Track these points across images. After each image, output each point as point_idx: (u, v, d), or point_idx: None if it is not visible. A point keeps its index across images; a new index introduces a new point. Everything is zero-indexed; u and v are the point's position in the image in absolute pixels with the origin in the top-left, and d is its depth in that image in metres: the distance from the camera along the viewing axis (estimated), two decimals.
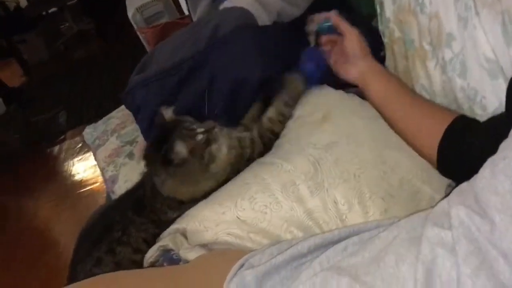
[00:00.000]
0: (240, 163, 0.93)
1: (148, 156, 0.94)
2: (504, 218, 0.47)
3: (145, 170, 0.98)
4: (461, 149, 0.74)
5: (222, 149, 0.91)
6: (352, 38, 0.96)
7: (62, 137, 3.11)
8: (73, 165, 2.90)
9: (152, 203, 0.93)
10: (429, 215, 0.57)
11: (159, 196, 0.92)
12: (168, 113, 0.94)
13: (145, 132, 1.07)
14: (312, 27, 1.03)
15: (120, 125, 1.33)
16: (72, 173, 2.84)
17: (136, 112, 1.07)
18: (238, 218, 0.82)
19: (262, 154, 0.95)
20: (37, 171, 3.02)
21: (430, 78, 0.95)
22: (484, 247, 0.48)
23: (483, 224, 0.49)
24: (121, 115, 1.32)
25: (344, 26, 0.97)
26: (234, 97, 1.00)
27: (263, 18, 1.04)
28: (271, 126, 0.97)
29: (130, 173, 1.13)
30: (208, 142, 0.89)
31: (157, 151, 0.88)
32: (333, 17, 0.99)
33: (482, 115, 0.82)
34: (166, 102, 1.02)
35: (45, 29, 5.07)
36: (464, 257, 0.48)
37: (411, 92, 0.93)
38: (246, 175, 0.88)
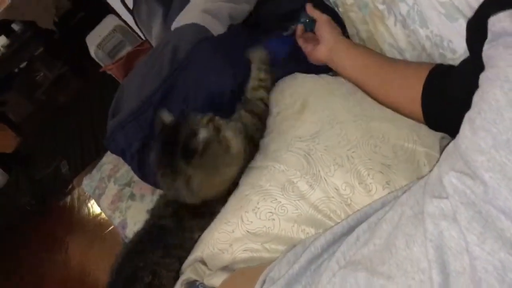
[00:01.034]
0: (249, 144, 0.93)
1: (164, 163, 0.90)
2: (493, 176, 0.46)
3: (153, 209, 0.98)
4: (443, 99, 0.73)
5: (230, 133, 0.89)
6: (322, 23, 0.98)
7: (70, 186, 3.13)
8: (90, 209, 2.92)
9: (177, 234, 0.93)
10: (426, 186, 0.57)
11: (188, 224, 0.92)
12: (166, 116, 0.92)
13: (138, 171, 1.07)
14: (303, 18, 1.05)
15: (113, 169, 1.33)
16: (92, 217, 2.87)
17: (122, 155, 1.07)
18: (248, 232, 0.81)
19: (261, 130, 0.96)
20: (58, 225, 3.06)
21: (393, 36, 0.93)
22: (483, 209, 0.47)
23: (476, 186, 0.48)
24: (112, 159, 1.32)
25: (316, 13, 1.00)
26: (214, 112, 0.99)
27: (216, 27, 1.02)
28: (256, 94, 0.98)
29: (137, 215, 1.14)
30: (217, 129, 0.88)
31: (171, 151, 0.86)
32: (307, 7, 1.02)
33: (454, 59, 0.81)
34: (147, 138, 1.02)
35: (22, 85, 5.06)
36: (467, 225, 0.47)
37: (383, 58, 0.91)
38: (244, 187, 0.87)
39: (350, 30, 1.05)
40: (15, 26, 4.88)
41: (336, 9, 1.07)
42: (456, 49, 0.80)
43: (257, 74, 0.98)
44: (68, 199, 3.13)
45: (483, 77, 0.53)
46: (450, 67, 0.76)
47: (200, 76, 0.97)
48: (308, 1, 1.03)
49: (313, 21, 1.02)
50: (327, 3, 1.11)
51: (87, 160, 3.21)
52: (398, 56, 0.95)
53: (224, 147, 0.86)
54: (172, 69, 0.99)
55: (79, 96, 4.39)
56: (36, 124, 4.71)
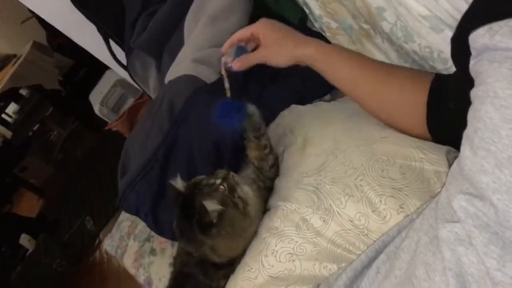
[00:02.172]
0: (264, 195, 0.92)
1: (183, 232, 0.88)
2: (501, 198, 0.45)
3: (175, 261, 0.97)
4: (444, 111, 0.71)
5: (246, 189, 0.89)
6: (267, 58, 0.88)
7: (97, 241, 3.15)
8: (121, 260, 2.92)
9: (204, 282, 0.92)
10: (437, 210, 0.55)
11: (213, 273, 0.90)
12: (178, 183, 0.89)
13: (154, 228, 1.07)
14: (226, 65, 0.91)
15: (131, 226, 1.34)
16: (122, 267, 2.86)
17: (136, 213, 1.07)
18: (271, 276, 0.80)
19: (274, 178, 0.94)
20: (91, 282, 3.06)
21: (384, 52, 0.93)
22: (499, 230, 0.45)
23: (486, 207, 0.47)
24: (129, 215, 1.32)
25: (252, 60, 0.89)
26: (218, 158, 0.99)
27: (208, 74, 1.03)
28: (265, 163, 0.95)
29: (161, 269, 1.13)
30: (232, 189, 0.86)
31: (190, 223, 0.84)
32: (233, 37, 0.90)
33: (446, 69, 0.81)
34: (160, 194, 1.02)
35: (38, 147, 5.16)
36: (484, 249, 0.46)
37: (376, 61, 0.87)
38: (261, 230, 0.86)
39: None
40: (23, 91, 5.02)
41: (323, 34, 1.07)
42: (447, 59, 0.79)
43: (256, 143, 0.93)
44: (97, 253, 3.15)
45: (473, 94, 0.52)
46: (448, 77, 0.75)
47: (200, 126, 0.98)
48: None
49: (240, 48, 0.91)
50: (314, 29, 1.11)
51: (110, 212, 3.23)
52: None
53: (241, 208, 0.85)
54: (172, 123, 1.00)
55: (95, 149, 4.45)
56: (57, 184, 4.77)
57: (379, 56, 0.95)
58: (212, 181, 0.87)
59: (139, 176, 1.01)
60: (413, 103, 0.77)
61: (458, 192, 0.51)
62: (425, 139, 0.78)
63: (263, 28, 0.87)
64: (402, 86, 0.79)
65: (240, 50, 0.90)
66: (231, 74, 0.90)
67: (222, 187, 0.86)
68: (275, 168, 0.95)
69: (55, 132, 5.41)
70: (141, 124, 1.14)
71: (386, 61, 0.94)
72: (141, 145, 1.07)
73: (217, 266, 0.90)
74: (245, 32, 0.89)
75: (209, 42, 1.09)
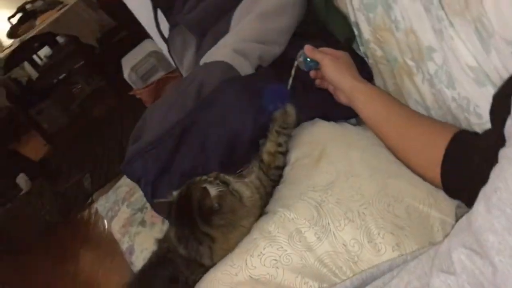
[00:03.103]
0: (262, 199, 0.92)
1: (181, 235, 0.88)
2: (504, 260, 0.44)
3: (161, 244, 0.97)
4: (463, 167, 0.71)
5: (239, 185, 0.89)
6: (325, 65, 0.96)
7: (90, 200, 3.17)
8: (106, 225, 2.94)
9: (188, 276, 0.92)
10: (435, 259, 0.55)
11: (195, 268, 0.90)
12: (213, 192, 0.87)
13: (151, 200, 1.07)
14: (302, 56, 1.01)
15: (129, 192, 1.34)
16: (106, 233, 2.88)
17: (138, 182, 1.07)
18: (251, 277, 0.80)
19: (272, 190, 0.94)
20: (72, 238, 3.08)
21: (420, 93, 0.92)
22: None
23: (485, 267, 0.46)
24: (129, 181, 1.33)
25: (317, 56, 0.97)
26: (230, 153, 0.99)
27: (245, 67, 1.03)
28: (273, 160, 0.96)
29: (145, 242, 1.13)
30: (225, 183, 0.88)
31: (189, 222, 0.85)
32: (306, 50, 0.99)
33: (479, 124, 0.80)
34: (165, 169, 1.02)
35: (58, 96, 5.21)
36: None
37: (404, 109, 0.89)
38: (253, 230, 0.86)
39: (377, 80, 1.05)
40: (60, 39, 5.08)
41: (366, 59, 1.07)
42: (482, 115, 0.78)
43: (276, 137, 0.95)
44: (86, 213, 3.17)
45: (502, 154, 0.52)
46: (475, 134, 0.75)
47: (222, 115, 0.98)
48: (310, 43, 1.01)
49: (313, 60, 0.99)
50: (358, 52, 1.11)
51: (110, 176, 3.25)
52: (422, 113, 0.93)
53: (238, 198, 0.86)
54: (196, 105, 1.00)
55: (112, 113, 4.48)
56: (67, 136, 4.82)
57: (415, 96, 0.94)
58: (205, 177, 0.89)
59: (151, 146, 1.01)
60: (433, 148, 0.77)
61: (461, 245, 0.50)
62: (435, 184, 0.78)
63: (343, 54, 0.99)
64: (426, 131, 0.81)
65: (311, 62, 1.00)
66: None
67: (215, 182, 0.87)
68: (280, 172, 0.96)
69: (79, 86, 5.47)
70: (165, 97, 1.15)
71: (421, 102, 0.93)
72: (160, 117, 1.07)
73: (204, 266, 0.90)
74: (327, 49, 0.99)
75: (254, 36, 1.09)
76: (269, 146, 0.96)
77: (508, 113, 0.54)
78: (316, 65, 0.99)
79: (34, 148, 4.71)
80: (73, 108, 5.25)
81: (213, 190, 0.83)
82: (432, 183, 0.78)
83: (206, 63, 1.08)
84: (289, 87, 1.01)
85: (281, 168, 0.96)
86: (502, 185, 0.48)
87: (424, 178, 0.80)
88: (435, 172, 0.76)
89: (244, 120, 0.96)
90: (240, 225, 0.86)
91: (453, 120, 0.86)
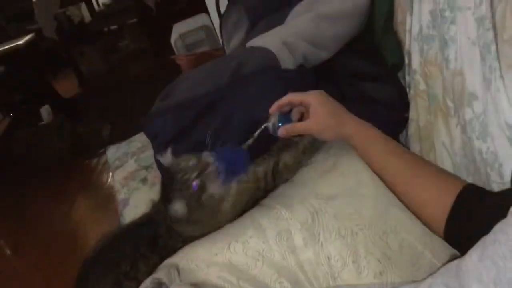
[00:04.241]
0: (256, 195, 0.91)
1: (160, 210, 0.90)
2: None
3: (156, 204, 0.97)
4: (469, 227, 0.70)
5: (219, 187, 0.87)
6: (312, 99, 0.89)
7: (102, 150, 3.21)
8: (109, 178, 2.98)
9: (167, 240, 0.92)
10: None
11: (175, 235, 0.91)
12: (166, 158, 0.89)
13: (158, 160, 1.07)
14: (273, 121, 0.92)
15: (141, 148, 1.36)
16: (107, 185, 2.92)
17: (152, 139, 1.08)
18: (230, 261, 0.79)
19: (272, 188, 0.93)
20: (74, 180, 3.14)
21: (451, 136, 0.90)
22: None
23: None
24: (144, 138, 1.34)
25: (301, 96, 0.90)
26: (248, 137, 0.99)
27: (287, 61, 1.03)
28: (286, 173, 0.95)
29: (141, 199, 1.14)
30: (202, 188, 0.85)
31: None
32: (283, 99, 0.91)
33: (498, 183, 0.78)
34: (182, 134, 1.03)
35: (104, 44, 5.31)
36: None
37: (408, 155, 0.87)
38: (245, 218, 0.86)
39: (412, 113, 1.03)
40: None
41: (407, 89, 1.06)
42: (504, 175, 0.76)
43: (299, 156, 0.95)
44: (95, 160, 3.22)
45: None
46: (482, 191, 0.73)
47: (251, 101, 0.98)
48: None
49: (284, 117, 0.92)
50: (402, 80, 1.10)
51: (129, 133, 3.29)
52: (446, 157, 0.92)
53: (210, 208, 0.86)
54: (229, 82, 1.01)
55: (149, 74, 4.54)
56: (100, 84, 4.91)
57: (444, 138, 0.92)
58: (187, 176, 0.85)
59: (175, 109, 1.02)
60: (437, 203, 0.76)
61: (443, 285, 0.49)
62: (437, 235, 0.77)
63: (314, 100, 0.89)
64: (431, 186, 0.79)
65: (283, 115, 0.92)
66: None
67: (194, 183, 0.84)
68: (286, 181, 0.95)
69: (126, 42, 5.56)
70: (203, 67, 1.15)
71: (448, 146, 0.92)
72: (193, 83, 1.07)
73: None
74: (295, 98, 0.90)
75: (306, 35, 1.08)
76: (289, 160, 0.94)
77: None
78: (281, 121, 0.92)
79: (67, 86, 4.80)
80: (113, 60, 5.34)
81: (179, 205, 0.83)
82: (434, 230, 0.77)
83: (252, 47, 1.08)
84: (246, 147, 0.92)
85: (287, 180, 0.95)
86: (503, 238, 0.47)
87: (427, 225, 0.79)
88: (439, 227, 0.75)
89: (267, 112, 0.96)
90: (215, 219, 0.87)
91: (474, 172, 0.84)
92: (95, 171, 3.14)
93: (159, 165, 1.04)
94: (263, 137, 0.94)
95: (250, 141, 0.92)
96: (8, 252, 2.75)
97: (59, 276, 2.22)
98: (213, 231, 0.87)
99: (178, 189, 0.84)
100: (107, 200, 2.69)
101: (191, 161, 0.86)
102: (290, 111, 0.94)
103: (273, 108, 0.91)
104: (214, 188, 0.85)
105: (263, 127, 0.92)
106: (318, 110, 0.88)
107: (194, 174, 0.84)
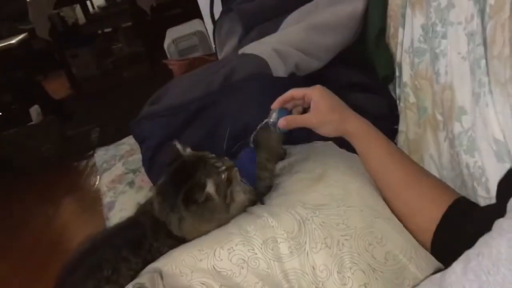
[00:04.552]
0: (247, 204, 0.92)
1: (165, 191, 0.89)
2: None
3: (142, 206, 0.97)
4: (456, 240, 0.70)
5: (239, 189, 0.89)
6: (315, 94, 0.89)
7: (91, 153, 3.19)
8: (97, 181, 2.96)
9: (152, 243, 0.91)
10: None
11: (161, 238, 0.90)
12: (183, 148, 0.90)
13: (146, 164, 1.07)
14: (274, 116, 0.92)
15: (129, 152, 1.35)
16: (94, 189, 2.89)
17: (141, 142, 1.08)
18: (214, 268, 0.78)
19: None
20: (61, 182, 3.11)
21: (439, 150, 0.91)
22: None
23: None
24: (133, 142, 1.33)
25: (303, 90, 0.90)
26: (236, 143, 0.98)
27: (279, 69, 1.03)
28: (262, 182, 0.96)
29: (127, 202, 1.13)
30: (229, 181, 0.88)
31: (177, 187, 0.85)
32: (286, 94, 0.91)
33: (484, 197, 0.78)
34: (170, 138, 1.02)
35: (97, 47, 5.29)
36: None
37: (407, 161, 0.87)
38: (232, 225, 0.85)
39: (401, 125, 1.04)
40: None
41: (397, 101, 1.06)
42: (490, 189, 0.76)
43: (265, 163, 0.95)
44: (83, 163, 3.19)
45: (497, 224, 0.51)
46: (473, 205, 0.74)
47: (242, 105, 0.98)
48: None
49: (285, 112, 0.92)
50: (392, 93, 1.10)
51: (118, 137, 3.27)
52: (433, 170, 0.92)
53: (227, 202, 0.86)
54: (220, 88, 1.00)
55: (141, 79, 4.53)
56: (91, 87, 4.89)
57: (433, 151, 0.93)
58: (219, 164, 0.88)
59: (165, 113, 1.01)
60: (428, 213, 0.77)
61: None
62: (424, 247, 0.77)
63: (317, 93, 0.89)
64: (425, 194, 0.80)
65: (284, 111, 0.92)
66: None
67: (223, 174, 0.87)
68: (267, 190, 0.96)
69: (120, 45, 5.54)
70: (194, 73, 1.15)
71: (436, 159, 0.92)
72: (183, 88, 1.07)
73: (171, 236, 0.90)
74: (298, 92, 0.90)
75: (298, 44, 1.09)
76: (258, 172, 0.95)
77: None
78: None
79: (58, 88, 4.78)
80: (107, 63, 5.32)
81: (210, 187, 0.83)
82: (420, 241, 0.77)
83: (244, 54, 1.09)
84: (250, 143, 0.94)
85: (269, 187, 0.96)
86: (486, 252, 0.47)
87: (414, 235, 0.79)
88: (427, 237, 0.75)
89: (258, 117, 0.95)
90: (213, 222, 0.87)
91: (461, 186, 0.84)
92: (82, 174, 3.12)
93: (150, 167, 1.03)
94: None
95: (252, 137, 0.93)
96: None
97: (39, 281, 2.18)
98: (204, 232, 0.87)
99: (210, 173, 0.85)
100: (94, 204, 2.66)
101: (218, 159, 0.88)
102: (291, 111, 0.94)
103: (275, 104, 0.91)
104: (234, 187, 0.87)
105: (264, 122, 0.92)
106: (320, 104, 0.87)
107: (223, 168, 0.86)
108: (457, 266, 0.50)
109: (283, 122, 0.89)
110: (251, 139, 0.93)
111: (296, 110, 0.93)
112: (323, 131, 0.89)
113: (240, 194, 0.90)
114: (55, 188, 3.06)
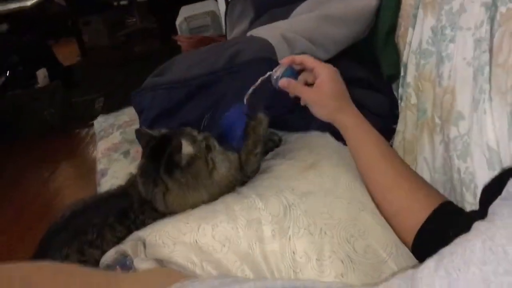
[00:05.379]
0: (235, 182, 0.93)
1: (146, 169, 0.91)
2: None
3: (132, 178, 0.97)
4: (438, 239, 0.70)
5: (220, 160, 0.90)
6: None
7: (92, 122, 3.20)
8: (95, 151, 2.97)
9: (138, 215, 0.92)
10: None
11: (147, 211, 0.91)
12: (188, 150, 0.88)
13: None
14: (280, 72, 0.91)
15: (128, 122, 1.35)
16: (91, 158, 2.91)
17: (140, 112, 1.08)
18: (197, 242, 0.79)
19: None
20: (60, 148, 3.13)
21: (433, 153, 0.91)
22: None
23: None
24: (133, 113, 1.33)
25: (316, 63, 0.89)
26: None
27: (284, 55, 1.03)
28: (249, 166, 0.96)
29: (120, 171, 1.14)
30: (208, 147, 0.89)
31: (157, 162, 0.87)
32: (298, 57, 0.91)
33: (471, 204, 0.78)
34: (169, 112, 1.03)
35: (112, 17, 5.28)
36: None
37: (398, 161, 0.86)
38: (220, 203, 0.86)
39: (399, 125, 1.04)
40: None
41: (399, 101, 1.06)
42: (477, 196, 0.76)
43: (252, 148, 0.95)
44: (84, 131, 3.21)
45: (475, 225, 0.51)
46: (458, 210, 0.74)
47: (243, 89, 0.98)
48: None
49: (291, 69, 0.91)
50: (395, 92, 1.10)
51: (121, 108, 3.29)
52: (425, 172, 0.92)
53: (209, 167, 0.87)
54: (224, 68, 1.01)
55: (150, 55, 4.52)
56: (101, 57, 4.89)
57: (427, 154, 0.93)
58: (195, 133, 0.89)
59: (166, 86, 1.02)
60: (413, 213, 0.77)
61: (396, 285, 0.50)
62: (406, 245, 0.78)
63: (327, 73, 0.88)
64: (412, 195, 0.79)
65: (291, 71, 0.91)
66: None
67: (201, 142, 0.88)
68: (254, 173, 0.97)
69: (134, 19, 5.53)
70: (201, 50, 1.15)
71: (429, 161, 0.92)
72: (188, 64, 1.07)
73: (157, 210, 0.91)
74: (309, 62, 0.90)
75: (307, 33, 1.08)
76: (244, 154, 0.96)
77: (499, 194, 0.53)
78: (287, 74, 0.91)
79: (67, 54, 4.77)
80: (119, 36, 5.31)
81: (187, 148, 0.84)
82: (402, 239, 0.77)
83: (252, 36, 1.09)
84: (247, 96, 0.93)
85: (256, 171, 0.97)
86: (460, 251, 0.48)
87: (396, 232, 0.79)
88: (409, 237, 0.76)
89: (256, 103, 0.96)
90: (199, 190, 0.87)
91: (450, 191, 0.85)
92: (82, 142, 3.13)
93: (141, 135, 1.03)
94: None
95: (250, 91, 0.93)
96: None
97: (25, 242, 2.19)
98: (189, 205, 0.88)
99: (186, 137, 0.86)
100: (90, 172, 2.67)
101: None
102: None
103: (285, 60, 0.91)
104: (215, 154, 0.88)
105: (267, 74, 0.92)
106: (325, 85, 0.87)
107: (200, 136, 0.87)
108: (430, 262, 0.50)
109: (285, 82, 0.89)
110: (246, 96, 0.93)
111: (304, 78, 0.92)
112: (316, 111, 0.89)
113: (225, 163, 0.90)
114: (53, 153, 3.08)
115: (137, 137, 0.95)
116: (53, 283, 0.68)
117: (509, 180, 0.53)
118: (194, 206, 0.88)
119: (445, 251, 0.50)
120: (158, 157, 0.86)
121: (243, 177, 0.93)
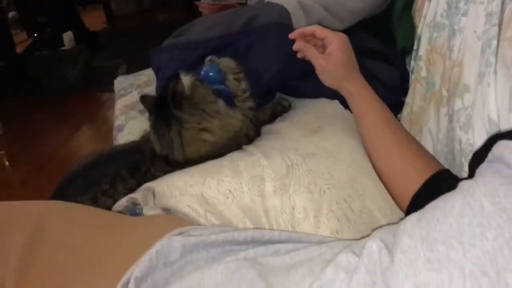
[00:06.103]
0: (238, 138, 0.96)
1: (156, 122, 0.95)
2: (402, 258, 0.46)
3: (145, 135, 1.02)
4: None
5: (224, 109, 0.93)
6: (336, 41, 0.90)
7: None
8: (117, 99, 3.03)
9: (149, 168, 0.97)
10: (351, 244, 0.58)
11: (158, 164, 0.96)
12: (186, 80, 0.92)
13: (159, 92, 1.11)
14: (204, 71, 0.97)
15: (147, 82, 1.39)
16: (111, 121, 2.97)
17: (157, 71, 1.11)
18: (202, 194, 0.84)
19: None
20: (81, 109, 3.21)
21: (438, 124, 0.93)
22: (378, 281, 0.48)
23: (386, 259, 0.49)
24: (151, 74, 1.37)
25: (328, 32, 0.91)
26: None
27: (300, 22, 1.05)
28: (243, 103, 0.99)
29: (135, 128, 1.18)
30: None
31: (163, 111, 0.91)
32: (308, 29, 0.93)
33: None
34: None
35: None
36: (356, 285, 0.48)
37: (400, 130, 0.88)
38: (226, 158, 0.90)
39: (408, 97, 1.05)
40: None
41: (410, 74, 1.08)
42: None
43: (237, 85, 0.97)
44: (105, 95, 3.27)
45: (460, 184, 0.54)
46: (456, 178, 0.76)
47: (257, 52, 1.00)
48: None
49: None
50: (407, 66, 1.11)
51: None
52: (429, 143, 0.94)
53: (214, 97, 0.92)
54: (240, 31, 1.03)
55: (175, 24, 4.53)
56: (126, 24, 4.93)
57: (432, 125, 0.94)
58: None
59: (183, 46, 1.05)
60: (410, 180, 0.78)
61: (379, 238, 0.53)
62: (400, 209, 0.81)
63: (337, 41, 0.90)
64: (411, 163, 0.81)
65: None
66: None
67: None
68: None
69: None
70: (220, 14, 1.18)
71: (434, 133, 0.94)
72: (205, 26, 1.10)
73: (169, 162, 0.95)
74: (320, 32, 0.92)
75: (324, 2, 1.09)
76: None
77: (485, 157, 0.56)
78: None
79: (94, 20, 4.83)
80: (145, 4, 5.34)
81: (185, 77, 0.89)
82: (397, 203, 0.80)
83: (270, 2, 1.10)
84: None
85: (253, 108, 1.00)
86: (442, 205, 0.51)
87: (391, 195, 0.82)
88: (404, 202, 0.78)
89: (270, 66, 0.98)
90: (209, 121, 0.91)
91: (450, 161, 0.86)
92: (103, 105, 3.20)
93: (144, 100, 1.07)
94: None
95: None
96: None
97: (44, 194, 2.27)
98: (204, 150, 0.93)
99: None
100: (109, 134, 2.75)
101: None
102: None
103: (295, 33, 0.94)
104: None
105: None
106: (335, 55, 0.89)
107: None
108: (414, 215, 0.53)
109: (300, 45, 0.92)
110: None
111: (315, 43, 0.95)
112: (323, 77, 0.92)
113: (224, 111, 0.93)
114: (74, 114, 3.16)
115: (141, 102, 0.99)
116: (66, 216, 0.73)
117: (496, 141, 0.55)
118: (206, 146, 0.92)
119: (429, 205, 0.53)
120: (164, 104, 0.91)
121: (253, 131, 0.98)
